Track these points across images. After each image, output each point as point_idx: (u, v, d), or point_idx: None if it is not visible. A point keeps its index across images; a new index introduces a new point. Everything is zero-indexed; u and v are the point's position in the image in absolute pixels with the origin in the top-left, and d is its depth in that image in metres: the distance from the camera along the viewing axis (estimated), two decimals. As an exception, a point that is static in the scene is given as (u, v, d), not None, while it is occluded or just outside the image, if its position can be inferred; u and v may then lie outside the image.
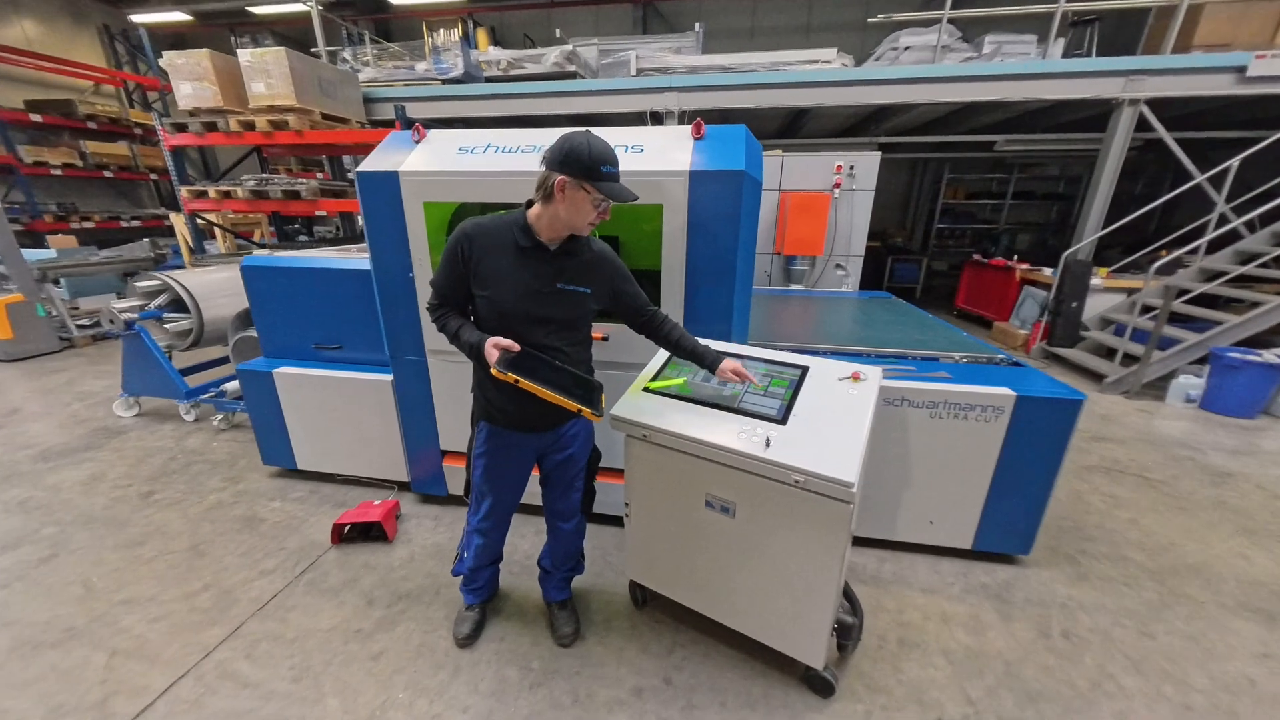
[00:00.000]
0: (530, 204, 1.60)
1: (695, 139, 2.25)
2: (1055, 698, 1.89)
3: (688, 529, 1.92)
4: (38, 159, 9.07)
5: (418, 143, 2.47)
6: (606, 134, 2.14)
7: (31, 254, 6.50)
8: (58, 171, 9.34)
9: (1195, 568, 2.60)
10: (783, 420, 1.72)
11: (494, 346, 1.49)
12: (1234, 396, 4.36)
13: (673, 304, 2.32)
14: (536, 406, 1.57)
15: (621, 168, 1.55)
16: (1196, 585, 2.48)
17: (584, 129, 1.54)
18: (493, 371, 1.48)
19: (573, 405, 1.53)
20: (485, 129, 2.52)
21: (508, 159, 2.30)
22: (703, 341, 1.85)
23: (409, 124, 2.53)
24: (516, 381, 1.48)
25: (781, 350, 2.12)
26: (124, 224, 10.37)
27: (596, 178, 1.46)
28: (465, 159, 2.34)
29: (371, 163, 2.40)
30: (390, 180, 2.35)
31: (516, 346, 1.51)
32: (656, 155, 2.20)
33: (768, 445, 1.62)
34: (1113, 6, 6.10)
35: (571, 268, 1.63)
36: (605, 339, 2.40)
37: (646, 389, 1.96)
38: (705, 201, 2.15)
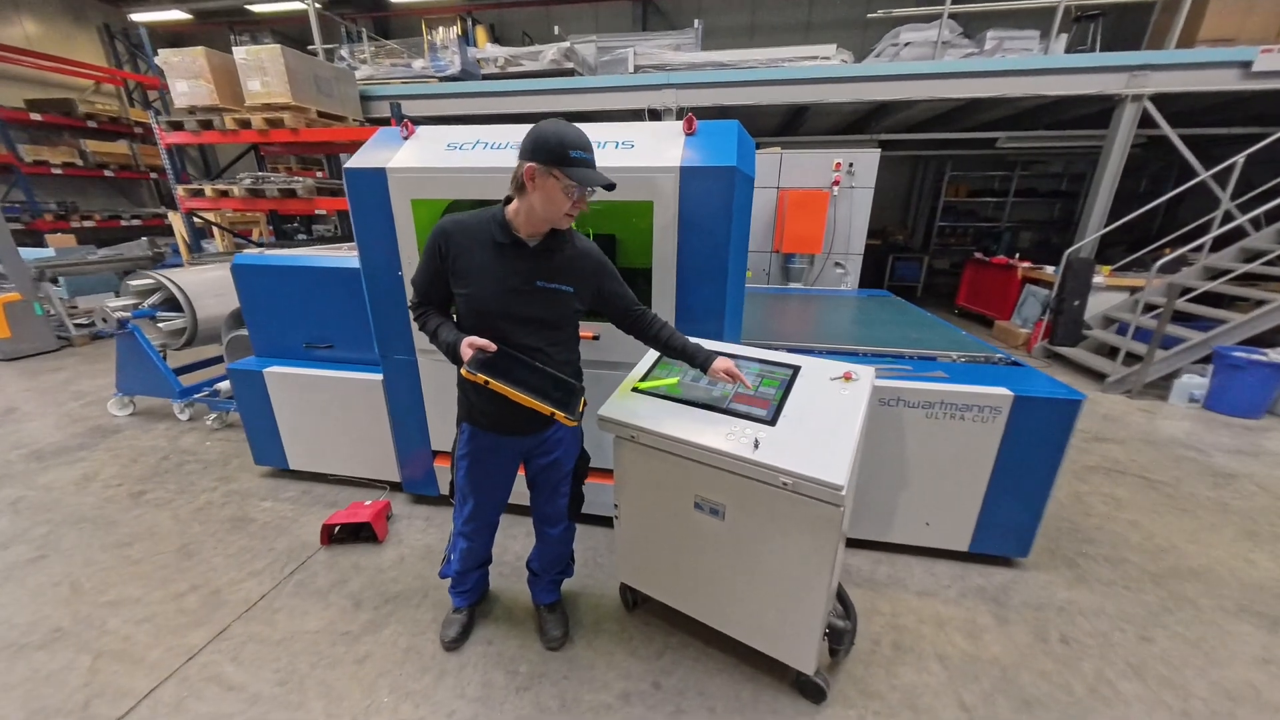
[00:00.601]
0: (509, 200, 1.56)
1: (686, 135, 2.21)
2: (1052, 704, 1.86)
3: (677, 531, 1.89)
4: (38, 158, 9.07)
5: (406, 139, 2.44)
6: (597, 129, 2.11)
7: (29, 253, 6.51)
8: (58, 170, 9.35)
9: (1197, 571, 2.56)
10: (772, 421, 1.69)
11: (469, 346, 1.46)
12: (1238, 396, 4.30)
13: (664, 302, 2.28)
14: (516, 409, 1.54)
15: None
16: (1198, 589, 2.44)
17: (555, 118, 1.49)
18: (462, 372, 1.44)
19: (545, 408, 1.49)
20: (481, 126, 2.48)
21: (497, 155, 2.26)
22: (693, 340, 1.82)
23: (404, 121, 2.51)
24: (486, 382, 1.44)
25: (775, 349, 2.08)
26: (124, 223, 10.39)
27: (566, 163, 1.40)
28: (454, 155, 2.31)
29: (359, 160, 2.37)
30: (378, 178, 2.32)
31: (493, 346, 1.47)
32: (647, 151, 2.16)
33: (756, 447, 1.59)
34: (1116, 0, 6.03)
35: (552, 265, 1.59)
36: (596, 338, 2.36)
37: (635, 389, 1.92)
38: (696, 198, 2.11)
